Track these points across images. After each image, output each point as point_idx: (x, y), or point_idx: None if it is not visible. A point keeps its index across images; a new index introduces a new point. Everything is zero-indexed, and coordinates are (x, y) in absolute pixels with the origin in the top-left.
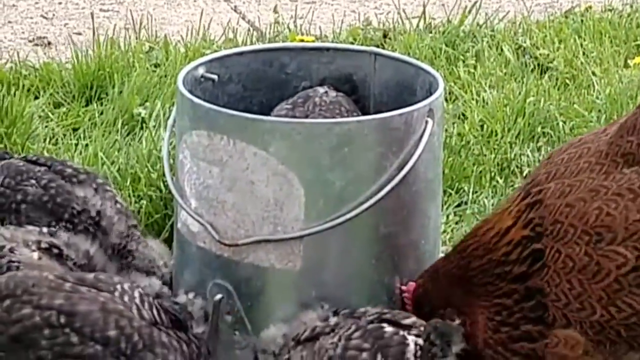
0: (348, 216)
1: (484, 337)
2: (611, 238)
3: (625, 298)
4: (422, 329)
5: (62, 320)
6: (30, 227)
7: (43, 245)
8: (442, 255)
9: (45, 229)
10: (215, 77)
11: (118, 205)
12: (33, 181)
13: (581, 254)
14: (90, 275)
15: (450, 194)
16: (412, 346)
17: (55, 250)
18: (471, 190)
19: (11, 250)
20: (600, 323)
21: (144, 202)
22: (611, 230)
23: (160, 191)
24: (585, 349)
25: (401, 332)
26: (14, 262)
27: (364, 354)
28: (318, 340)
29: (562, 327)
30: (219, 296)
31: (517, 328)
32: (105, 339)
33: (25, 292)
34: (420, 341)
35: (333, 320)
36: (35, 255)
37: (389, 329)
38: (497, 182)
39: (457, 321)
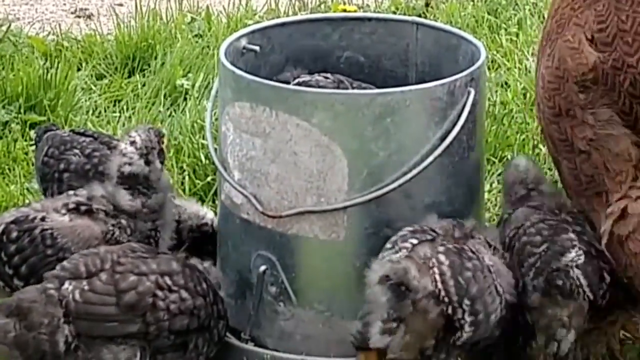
0: (391, 187)
1: None
2: None
3: None
4: None
5: (168, 281)
6: (61, 195)
7: (70, 206)
8: (486, 225)
9: (71, 191)
10: (257, 48)
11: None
12: (77, 150)
13: None
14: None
15: (494, 162)
16: None
17: (83, 208)
18: None
19: (42, 219)
20: None
21: (186, 173)
22: None
23: (203, 162)
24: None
25: None
26: (46, 229)
27: None
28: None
29: None
30: (262, 267)
31: None
32: (204, 291)
33: (115, 264)
34: None
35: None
36: (66, 218)
37: None
38: (540, 150)
39: None
